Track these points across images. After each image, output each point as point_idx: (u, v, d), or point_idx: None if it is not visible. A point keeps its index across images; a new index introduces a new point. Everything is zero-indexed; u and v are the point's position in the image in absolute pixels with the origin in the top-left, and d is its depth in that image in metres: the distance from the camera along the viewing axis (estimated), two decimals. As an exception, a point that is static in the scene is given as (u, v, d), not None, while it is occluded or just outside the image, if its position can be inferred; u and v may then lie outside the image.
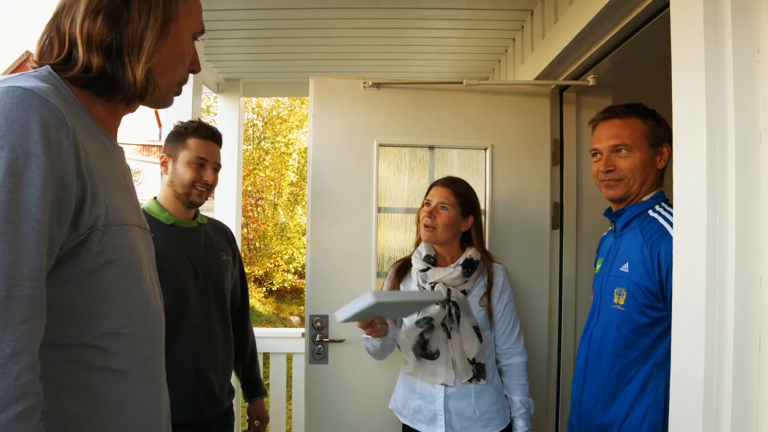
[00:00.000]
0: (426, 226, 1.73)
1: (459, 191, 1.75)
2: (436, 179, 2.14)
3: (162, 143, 1.76)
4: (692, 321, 0.97)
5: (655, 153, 1.42)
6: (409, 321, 1.71)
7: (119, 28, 0.73)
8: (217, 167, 1.72)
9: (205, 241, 1.73)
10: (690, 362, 0.97)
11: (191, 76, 0.92)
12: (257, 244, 10.04)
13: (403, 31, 2.47)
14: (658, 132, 1.42)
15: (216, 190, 3.26)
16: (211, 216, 2.00)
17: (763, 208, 0.88)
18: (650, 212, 1.39)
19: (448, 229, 1.72)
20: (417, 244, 1.84)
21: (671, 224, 1.28)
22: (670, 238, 1.25)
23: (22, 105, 0.63)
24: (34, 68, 0.75)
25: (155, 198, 1.69)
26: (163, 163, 1.69)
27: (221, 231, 1.87)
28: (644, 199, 1.42)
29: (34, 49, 0.78)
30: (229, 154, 3.21)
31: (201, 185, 1.66)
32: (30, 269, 0.61)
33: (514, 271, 2.04)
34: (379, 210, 2.13)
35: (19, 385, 0.59)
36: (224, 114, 3.25)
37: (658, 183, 1.44)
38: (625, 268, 1.37)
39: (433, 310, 1.65)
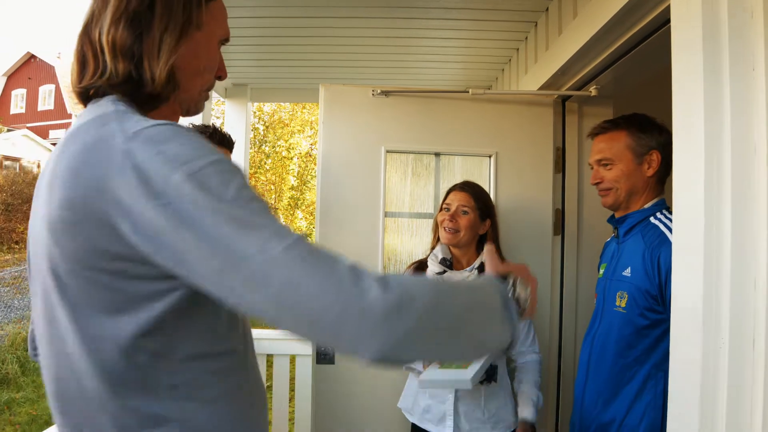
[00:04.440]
0: (448, 229, 1.77)
1: (477, 195, 1.80)
2: (442, 185, 2.21)
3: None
4: (690, 322, 1.02)
5: (641, 162, 1.49)
6: None
7: (140, 33, 0.75)
8: None
9: None
10: (688, 362, 1.02)
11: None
12: (257, 247, 10.05)
13: (409, 40, 2.53)
14: (644, 141, 1.49)
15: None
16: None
17: (757, 215, 0.94)
18: (651, 219, 1.45)
19: (469, 232, 1.77)
20: (433, 247, 1.88)
21: (671, 230, 1.34)
22: (669, 243, 1.31)
23: (187, 131, 0.67)
24: (79, 87, 0.76)
25: None
26: None
27: None
28: (646, 206, 1.49)
29: (71, 66, 0.79)
30: (236, 159, 3.26)
31: None
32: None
33: (517, 275, 2.09)
34: (385, 215, 2.18)
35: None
36: (231, 118, 3.30)
37: (658, 190, 1.51)
38: (627, 272, 1.43)
39: None
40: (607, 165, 1.54)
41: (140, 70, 0.75)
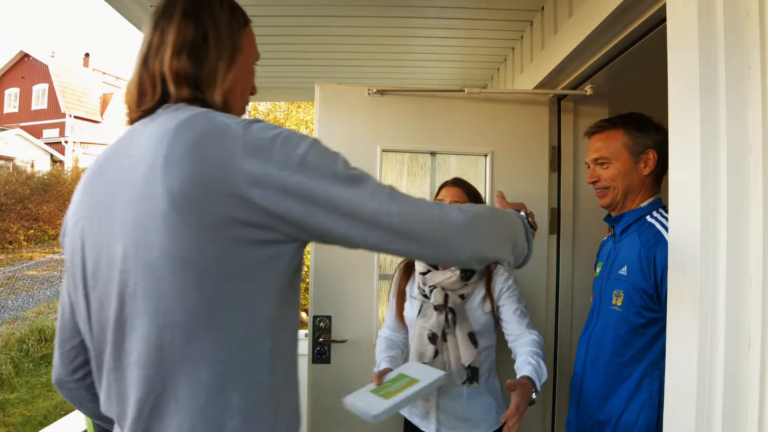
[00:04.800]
0: None
1: (469, 191, 1.80)
2: (438, 184, 2.20)
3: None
4: (686, 321, 1.02)
5: (638, 161, 1.49)
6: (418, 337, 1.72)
7: (200, 63, 0.84)
8: None
9: None
10: (684, 360, 1.02)
11: None
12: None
13: (405, 39, 2.53)
14: (641, 140, 1.50)
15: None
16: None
17: (752, 214, 0.94)
18: (648, 218, 1.45)
19: None
20: None
21: (667, 229, 1.35)
22: (665, 242, 1.31)
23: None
24: (139, 111, 0.84)
25: None
26: None
27: None
28: (642, 205, 1.49)
29: (127, 93, 0.87)
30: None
31: None
32: None
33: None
34: (381, 214, 2.17)
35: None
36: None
37: (654, 189, 1.51)
38: (623, 271, 1.43)
39: (433, 321, 1.67)
40: (603, 164, 1.54)
41: (202, 97, 0.84)
